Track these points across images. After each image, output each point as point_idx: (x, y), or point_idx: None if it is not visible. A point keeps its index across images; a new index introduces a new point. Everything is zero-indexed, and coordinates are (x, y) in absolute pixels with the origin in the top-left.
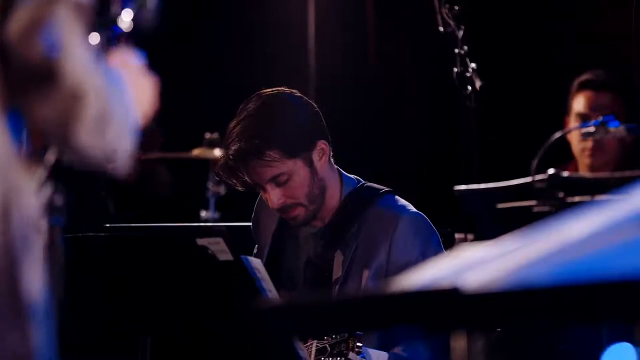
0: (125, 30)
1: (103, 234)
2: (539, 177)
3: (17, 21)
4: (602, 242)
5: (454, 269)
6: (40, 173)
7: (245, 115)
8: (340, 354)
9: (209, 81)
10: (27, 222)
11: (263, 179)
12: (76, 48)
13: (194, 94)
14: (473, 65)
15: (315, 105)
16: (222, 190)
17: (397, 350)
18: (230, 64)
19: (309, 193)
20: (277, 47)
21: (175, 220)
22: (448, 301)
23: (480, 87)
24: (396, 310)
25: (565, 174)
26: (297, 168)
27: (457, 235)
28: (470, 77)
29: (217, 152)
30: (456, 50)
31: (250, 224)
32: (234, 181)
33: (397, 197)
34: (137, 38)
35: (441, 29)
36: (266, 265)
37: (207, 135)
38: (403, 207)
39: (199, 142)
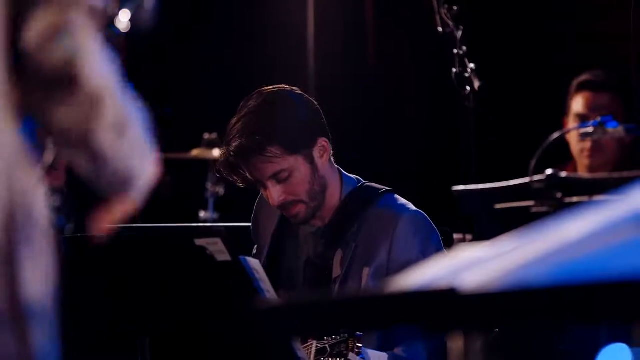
0: (122, 30)
1: (103, 234)
2: (537, 177)
3: (34, 28)
4: (600, 243)
5: (452, 269)
6: (42, 174)
7: (246, 111)
8: (339, 355)
9: (209, 81)
10: (32, 223)
11: (264, 175)
12: (93, 53)
13: (193, 94)
14: (472, 65)
15: (315, 103)
16: (221, 190)
17: (397, 350)
18: (230, 64)
19: (310, 190)
20: (277, 47)
21: (174, 220)
22: (446, 301)
23: (479, 87)
24: (394, 311)
25: (564, 174)
26: (298, 164)
27: (455, 236)
28: (469, 77)
29: (216, 153)
30: (455, 51)
31: (249, 224)
32: (235, 178)
33: (397, 196)
34: (135, 38)
35: (440, 29)
36: (266, 265)
37: (206, 136)
38: (403, 206)
39: (198, 143)
